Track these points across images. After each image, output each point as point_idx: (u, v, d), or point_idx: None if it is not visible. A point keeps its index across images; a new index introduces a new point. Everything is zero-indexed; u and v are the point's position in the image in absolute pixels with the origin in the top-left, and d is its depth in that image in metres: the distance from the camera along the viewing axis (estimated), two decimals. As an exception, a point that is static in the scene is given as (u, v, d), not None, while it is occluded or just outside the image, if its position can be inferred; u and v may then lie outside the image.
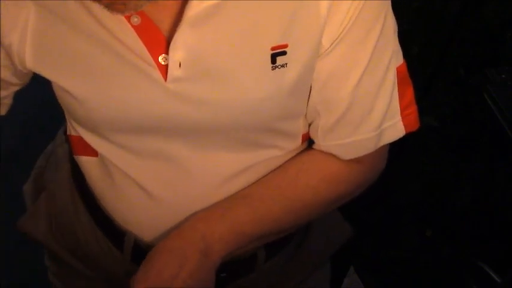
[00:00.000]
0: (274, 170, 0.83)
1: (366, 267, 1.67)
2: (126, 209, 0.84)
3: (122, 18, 0.67)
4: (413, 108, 0.81)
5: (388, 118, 0.78)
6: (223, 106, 0.72)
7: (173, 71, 0.69)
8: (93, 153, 0.83)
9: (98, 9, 0.66)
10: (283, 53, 0.70)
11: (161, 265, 0.74)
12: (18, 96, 0.82)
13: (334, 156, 0.81)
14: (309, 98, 0.78)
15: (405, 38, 0.80)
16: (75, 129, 0.84)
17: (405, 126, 0.81)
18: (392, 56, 0.76)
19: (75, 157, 0.88)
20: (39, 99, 0.85)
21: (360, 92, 0.75)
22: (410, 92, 0.80)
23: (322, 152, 0.82)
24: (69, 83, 0.73)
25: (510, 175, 1.39)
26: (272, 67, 0.71)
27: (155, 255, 0.75)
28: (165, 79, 0.70)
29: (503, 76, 1.28)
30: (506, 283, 1.37)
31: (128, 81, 0.71)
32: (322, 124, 0.79)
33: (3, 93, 0.79)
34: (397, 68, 0.77)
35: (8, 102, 0.82)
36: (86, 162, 0.85)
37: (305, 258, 0.95)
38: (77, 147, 0.86)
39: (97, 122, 0.76)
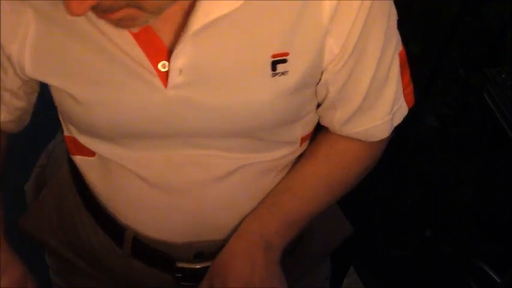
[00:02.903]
0: (303, 156, 0.87)
1: (366, 267, 1.67)
2: (126, 205, 0.85)
3: None
4: (411, 87, 0.85)
5: (397, 101, 0.82)
6: (223, 112, 0.73)
7: (174, 78, 0.70)
8: (90, 153, 0.83)
9: (96, 17, 0.67)
10: (284, 61, 0.71)
11: (235, 269, 0.79)
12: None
13: None
14: (323, 99, 0.80)
15: (405, 38, 0.81)
16: (69, 131, 0.84)
17: (407, 103, 0.85)
18: (397, 43, 0.79)
19: (72, 157, 0.88)
20: (40, 100, 0.85)
21: (374, 83, 0.78)
22: (408, 73, 0.84)
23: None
24: (70, 88, 0.74)
25: (510, 175, 1.40)
26: (272, 74, 0.72)
27: (224, 262, 0.80)
28: (165, 85, 0.71)
29: (503, 76, 1.29)
30: (506, 283, 1.37)
31: (127, 87, 0.72)
32: (339, 117, 0.82)
33: (19, 103, 0.81)
34: (399, 54, 0.80)
35: (26, 117, 0.85)
36: (82, 161, 0.86)
37: (304, 255, 0.96)
38: (72, 147, 0.86)
39: (97, 126, 0.76)
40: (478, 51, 1.32)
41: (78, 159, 0.87)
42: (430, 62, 1.29)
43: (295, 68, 0.72)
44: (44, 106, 0.92)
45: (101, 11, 0.60)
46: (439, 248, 1.55)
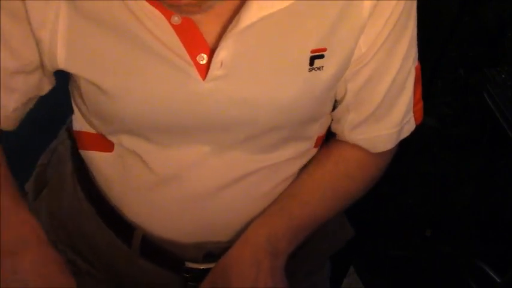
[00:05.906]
0: (311, 165, 0.87)
1: (366, 267, 1.67)
2: (138, 203, 0.84)
3: (162, 16, 0.68)
4: (421, 103, 0.87)
5: (407, 113, 0.84)
6: (258, 104, 0.74)
7: (214, 70, 0.71)
8: (107, 148, 0.83)
9: (136, 7, 0.67)
10: (321, 56, 0.73)
11: (240, 273, 0.79)
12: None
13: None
14: (341, 98, 0.81)
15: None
16: (92, 124, 0.83)
17: (415, 119, 0.86)
18: (415, 56, 0.81)
19: (82, 152, 0.87)
20: (40, 99, 0.84)
21: (391, 90, 0.80)
22: (420, 90, 0.85)
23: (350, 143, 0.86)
24: (103, 80, 0.73)
25: (510, 175, 1.40)
26: (309, 69, 0.73)
27: (229, 265, 0.80)
28: (203, 78, 0.71)
29: (503, 76, 1.29)
30: (506, 283, 1.37)
31: (164, 79, 0.72)
32: (351, 119, 0.83)
33: (20, 98, 0.78)
34: (415, 67, 0.82)
35: (18, 114, 0.80)
36: (96, 157, 0.85)
37: (305, 258, 0.96)
38: (86, 142, 0.86)
39: (124, 117, 0.76)
40: (477, 51, 1.32)
41: (92, 154, 0.86)
42: (430, 62, 1.29)
43: (330, 64, 0.74)
44: (45, 106, 0.92)
45: None
46: (439, 248, 1.55)
